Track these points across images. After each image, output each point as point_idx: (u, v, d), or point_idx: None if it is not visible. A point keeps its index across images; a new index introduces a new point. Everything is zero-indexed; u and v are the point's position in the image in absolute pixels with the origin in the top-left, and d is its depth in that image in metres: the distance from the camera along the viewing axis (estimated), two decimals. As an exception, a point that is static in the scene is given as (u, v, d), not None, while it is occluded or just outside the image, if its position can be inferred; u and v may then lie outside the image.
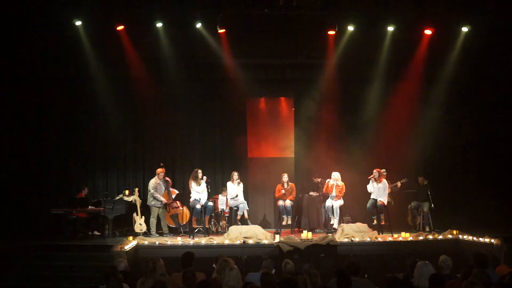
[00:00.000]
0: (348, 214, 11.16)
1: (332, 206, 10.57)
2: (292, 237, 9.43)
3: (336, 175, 10.68)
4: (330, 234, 9.76)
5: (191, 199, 10.46)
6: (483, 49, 11.24)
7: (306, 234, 9.60)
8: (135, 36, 11.16)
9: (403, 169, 11.52)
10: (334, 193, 10.61)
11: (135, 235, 10.08)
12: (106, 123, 11.94)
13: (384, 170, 11.13)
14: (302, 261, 7.54)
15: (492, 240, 8.74)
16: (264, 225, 11.61)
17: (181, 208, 10.82)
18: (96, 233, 10.74)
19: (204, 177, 10.57)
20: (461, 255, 8.75)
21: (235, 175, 10.88)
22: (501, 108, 11.61)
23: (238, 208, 10.76)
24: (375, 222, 10.48)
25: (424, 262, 5.50)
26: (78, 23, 10.82)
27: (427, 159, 11.79)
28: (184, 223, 10.80)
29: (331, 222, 10.60)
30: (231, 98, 12.27)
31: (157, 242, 9.39)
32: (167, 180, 10.79)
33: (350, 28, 11.19)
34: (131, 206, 10.83)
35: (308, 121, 12.26)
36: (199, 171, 10.55)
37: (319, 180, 11.31)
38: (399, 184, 11.17)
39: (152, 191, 10.55)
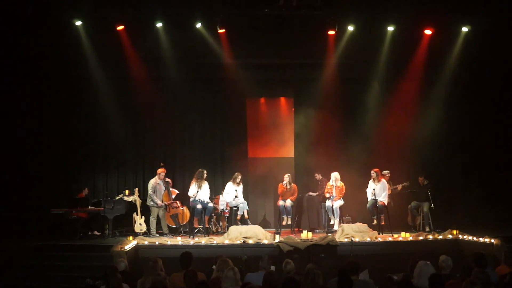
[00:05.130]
0: (348, 214, 11.16)
1: (332, 206, 10.57)
2: (292, 237, 9.43)
3: (335, 175, 10.67)
4: (330, 234, 9.76)
5: (191, 199, 10.46)
6: (483, 49, 11.23)
7: (306, 234, 9.60)
8: (135, 36, 11.16)
9: (403, 168, 11.53)
10: (334, 194, 10.61)
11: (135, 235, 10.08)
12: (106, 123, 11.94)
13: (388, 171, 11.15)
14: (303, 261, 7.54)
15: (492, 240, 8.74)
16: (264, 225, 11.60)
17: (181, 208, 10.82)
18: (96, 233, 10.73)
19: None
20: (461, 255, 8.75)
21: (239, 177, 10.83)
22: (501, 108, 11.61)
23: (238, 208, 10.75)
24: (375, 222, 10.47)
25: (425, 262, 5.49)
26: (78, 23, 10.83)
27: (427, 159, 11.78)
28: (184, 223, 10.80)
29: (331, 222, 10.61)
30: (231, 98, 12.27)
31: (157, 242, 9.39)
32: (167, 181, 10.78)
33: (350, 28, 11.19)
34: (131, 206, 10.84)
35: (308, 121, 12.26)
36: (204, 171, 10.50)
37: (320, 177, 11.32)
38: (400, 187, 11.21)
39: (150, 191, 10.56)
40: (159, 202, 10.54)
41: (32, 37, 10.68)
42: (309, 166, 12.07)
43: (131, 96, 11.98)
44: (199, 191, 10.29)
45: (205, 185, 10.47)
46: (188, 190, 10.53)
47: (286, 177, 10.86)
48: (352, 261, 5.68)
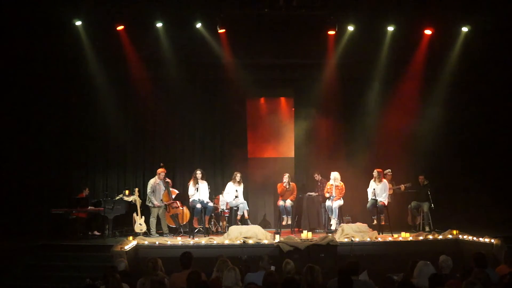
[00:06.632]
0: (348, 214, 11.15)
1: (332, 206, 10.56)
2: (292, 237, 9.43)
3: (335, 175, 10.67)
4: (330, 234, 9.76)
5: (191, 199, 10.47)
6: (483, 49, 11.23)
7: (306, 234, 9.60)
8: (135, 36, 11.16)
9: (403, 168, 11.53)
10: (334, 194, 10.61)
11: (135, 235, 10.08)
12: (106, 123, 11.93)
13: (389, 170, 11.16)
14: (303, 261, 7.53)
15: (492, 240, 8.74)
16: (264, 225, 11.62)
17: (181, 208, 10.82)
18: (96, 233, 10.73)
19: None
20: (461, 255, 8.75)
21: (238, 176, 10.86)
22: (501, 108, 11.61)
23: (238, 208, 10.75)
24: (375, 222, 10.47)
25: (425, 262, 5.49)
26: (78, 23, 10.83)
27: (427, 158, 11.78)
28: (184, 223, 10.80)
29: (331, 222, 10.61)
30: (231, 98, 12.27)
31: (157, 242, 9.39)
32: (167, 181, 10.79)
33: (350, 28, 11.19)
34: (131, 206, 10.84)
35: (308, 120, 12.26)
36: (197, 172, 10.50)
37: (319, 178, 11.32)
38: (402, 187, 11.20)
39: (148, 191, 10.57)
40: (155, 202, 10.54)
41: (32, 37, 10.68)
42: (309, 166, 12.10)
43: (131, 96, 12.00)
44: (198, 190, 10.31)
45: (203, 185, 10.47)
46: (188, 189, 10.57)
47: (286, 177, 10.86)
48: (352, 261, 5.68)
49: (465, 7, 10.61)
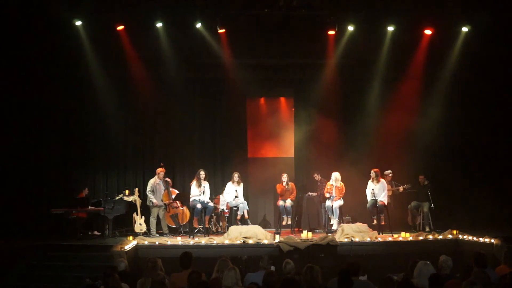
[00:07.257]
0: (348, 214, 11.16)
1: (332, 206, 10.57)
2: (292, 237, 9.43)
3: (335, 175, 10.67)
4: (330, 234, 9.76)
5: (191, 199, 10.46)
6: (483, 49, 11.23)
7: (306, 234, 9.60)
8: (135, 36, 11.16)
9: (403, 168, 11.53)
10: (334, 194, 10.61)
11: (135, 235, 10.08)
12: (106, 123, 11.93)
13: (390, 171, 11.15)
14: (303, 261, 7.54)
15: (492, 240, 8.74)
16: (264, 225, 11.62)
17: (181, 208, 10.82)
18: (96, 233, 10.73)
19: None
20: (461, 255, 8.76)
21: (235, 176, 10.86)
22: (501, 108, 11.61)
23: (238, 208, 10.75)
24: (375, 222, 10.47)
25: (425, 262, 5.49)
26: (78, 23, 10.83)
27: (428, 158, 11.78)
28: (184, 223, 10.80)
29: (331, 222, 10.61)
30: (231, 98, 12.27)
31: (157, 242, 9.40)
32: (167, 181, 10.79)
33: (350, 28, 11.20)
34: (131, 206, 10.83)
35: (308, 121, 12.26)
36: (201, 172, 10.51)
37: (319, 178, 11.32)
38: (401, 189, 11.20)
39: (147, 190, 10.58)
40: (154, 200, 10.53)
41: (32, 37, 10.68)
42: (309, 166, 12.09)
43: (131, 96, 11.98)
44: (204, 193, 10.32)
45: (206, 186, 10.47)
46: (188, 189, 10.57)
47: (284, 177, 10.87)
48: (353, 261, 5.67)
49: (465, 7, 10.62)
